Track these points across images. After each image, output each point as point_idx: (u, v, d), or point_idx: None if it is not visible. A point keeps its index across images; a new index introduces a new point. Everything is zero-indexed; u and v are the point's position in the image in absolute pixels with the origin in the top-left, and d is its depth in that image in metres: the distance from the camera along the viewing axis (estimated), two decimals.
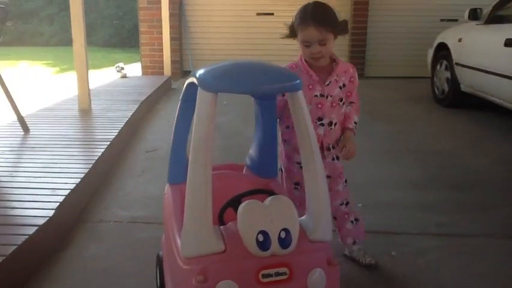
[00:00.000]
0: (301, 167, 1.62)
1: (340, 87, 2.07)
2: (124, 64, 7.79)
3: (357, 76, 2.13)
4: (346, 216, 2.22)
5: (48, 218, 2.35)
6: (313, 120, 2.02)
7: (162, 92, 6.75)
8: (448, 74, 5.79)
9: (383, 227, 2.53)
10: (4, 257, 1.96)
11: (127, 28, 16.63)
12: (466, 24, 5.75)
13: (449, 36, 5.90)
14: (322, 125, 2.06)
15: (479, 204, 3.03)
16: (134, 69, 8.82)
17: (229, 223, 1.46)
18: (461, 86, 5.53)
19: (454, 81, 5.64)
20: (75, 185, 2.78)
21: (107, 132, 3.97)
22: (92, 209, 2.90)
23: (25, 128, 3.94)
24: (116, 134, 3.92)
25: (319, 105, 2.04)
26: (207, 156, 1.36)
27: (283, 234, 1.34)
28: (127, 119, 4.47)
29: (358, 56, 8.23)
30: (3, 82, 3.81)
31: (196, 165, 1.36)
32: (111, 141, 3.70)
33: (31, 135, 3.88)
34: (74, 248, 2.45)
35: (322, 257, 1.44)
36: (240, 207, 1.38)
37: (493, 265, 2.31)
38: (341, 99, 2.07)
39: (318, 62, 2.02)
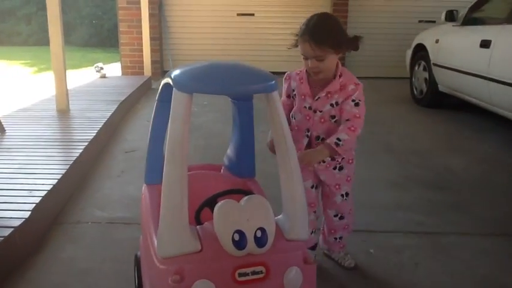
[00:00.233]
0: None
1: (332, 105, 1.98)
2: (103, 64, 7.71)
3: (358, 93, 1.97)
4: (333, 231, 2.23)
5: (24, 219, 2.31)
6: (302, 130, 2.05)
7: (142, 92, 6.70)
8: (426, 75, 5.88)
9: (362, 226, 2.56)
10: None
11: (106, 28, 16.51)
12: (443, 26, 5.84)
13: (427, 38, 5.99)
14: (308, 136, 2.04)
15: (455, 203, 3.09)
16: (114, 69, 8.76)
17: (206, 223, 1.46)
18: (439, 86, 5.62)
19: (432, 82, 5.73)
20: (52, 186, 2.75)
21: (85, 133, 3.93)
22: (69, 210, 2.87)
23: (1, 129, 3.88)
24: (94, 134, 3.88)
25: (307, 118, 2.03)
26: (182, 157, 1.36)
27: (259, 233, 1.35)
28: (106, 119, 4.43)
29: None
30: None
31: (171, 165, 1.36)
32: (89, 142, 3.66)
33: (7, 136, 3.81)
34: (51, 249, 2.42)
35: (299, 256, 1.45)
36: (216, 207, 1.38)
37: (468, 263, 2.35)
38: (333, 117, 2.00)
39: (316, 76, 1.97)
